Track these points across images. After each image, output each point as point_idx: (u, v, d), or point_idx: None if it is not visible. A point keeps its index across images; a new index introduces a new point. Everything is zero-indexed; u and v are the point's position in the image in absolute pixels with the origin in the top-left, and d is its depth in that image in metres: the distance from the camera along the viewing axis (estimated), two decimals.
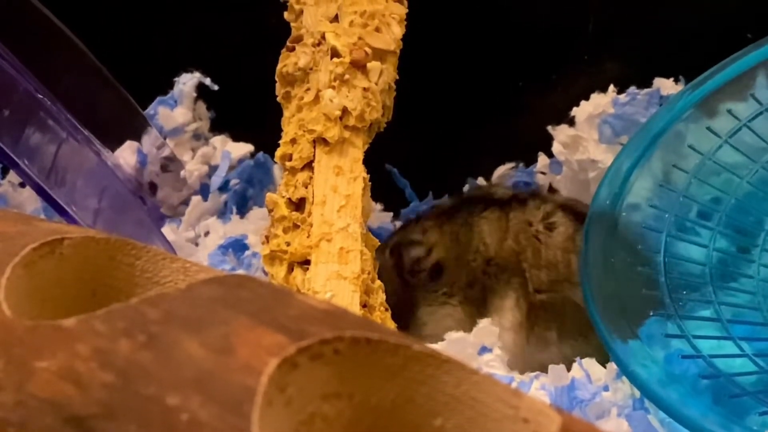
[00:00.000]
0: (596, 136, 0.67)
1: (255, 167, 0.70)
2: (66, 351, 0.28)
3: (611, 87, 0.67)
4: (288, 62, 0.59)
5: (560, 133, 0.68)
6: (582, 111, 0.67)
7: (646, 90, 0.66)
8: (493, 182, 0.71)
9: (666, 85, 0.66)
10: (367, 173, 0.57)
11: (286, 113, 0.59)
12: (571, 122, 0.68)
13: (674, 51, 0.67)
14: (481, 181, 0.71)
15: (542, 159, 0.70)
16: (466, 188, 0.71)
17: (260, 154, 0.70)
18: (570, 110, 0.68)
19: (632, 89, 0.66)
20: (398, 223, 0.70)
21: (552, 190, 0.70)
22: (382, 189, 0.67)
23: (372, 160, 0.58)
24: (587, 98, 0.67)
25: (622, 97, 0.66)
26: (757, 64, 0.58)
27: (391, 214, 0.71)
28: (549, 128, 0.68)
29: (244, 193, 0.70)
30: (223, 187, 0.69)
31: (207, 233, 0.67)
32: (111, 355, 0.28)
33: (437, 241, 0.64)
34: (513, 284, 0.61)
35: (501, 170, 0.71)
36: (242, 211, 0.69)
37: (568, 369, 0.55)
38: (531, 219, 0.62)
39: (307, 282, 0.54)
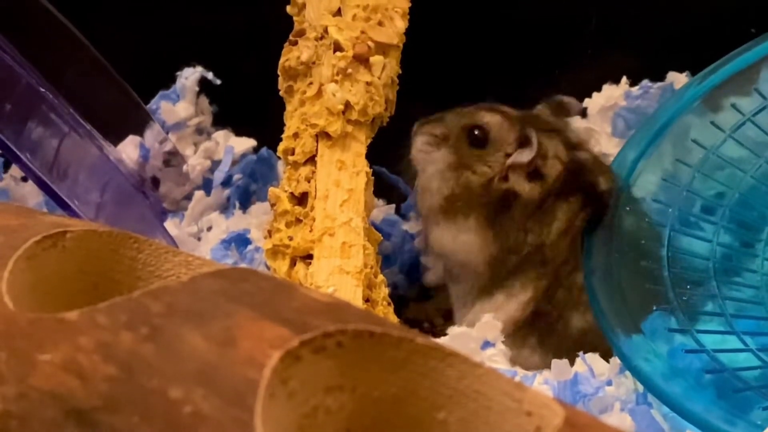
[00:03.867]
0: (609, 129, 0.66)
1: (258, 162, 0.70)
2: (68, 344, 0.28)
3: (624, 79, 0.67)
4: (291, 56, 0.59)
5: (572, 125, 0.68)
6: (594, 103, 0.67)
7: (659, 84, 0.66)
8: None
9: (680, 80, 0.66)
10: (370, 167, 0.57)
11: (289, 107, 0.59)
12: (584, 114, 0.68)
13: (679, 45, 0.67)
14: None
15: None
16: None
17: (263, 149, 0.70)
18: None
19: (645, 82, 0.66)
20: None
21: None
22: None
23: (373, 156, 0.58)
24: (593, 93, 0.67)
25: (635, 90, 0.66)
26: (761, 58, 0.58)
27: (394, 205, 0.71)
28: None
29: (247, 187, 0.70)
30: (226, 182, 0.69)
31: (209, 228, 0.67)
32: (113, 347, 0.28)
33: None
34: (534, 281, 0.59)
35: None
36: (245, 206, 0.68)
37: (572, 363, 0.55)
38: None
39: (310, 277, 0.54)
